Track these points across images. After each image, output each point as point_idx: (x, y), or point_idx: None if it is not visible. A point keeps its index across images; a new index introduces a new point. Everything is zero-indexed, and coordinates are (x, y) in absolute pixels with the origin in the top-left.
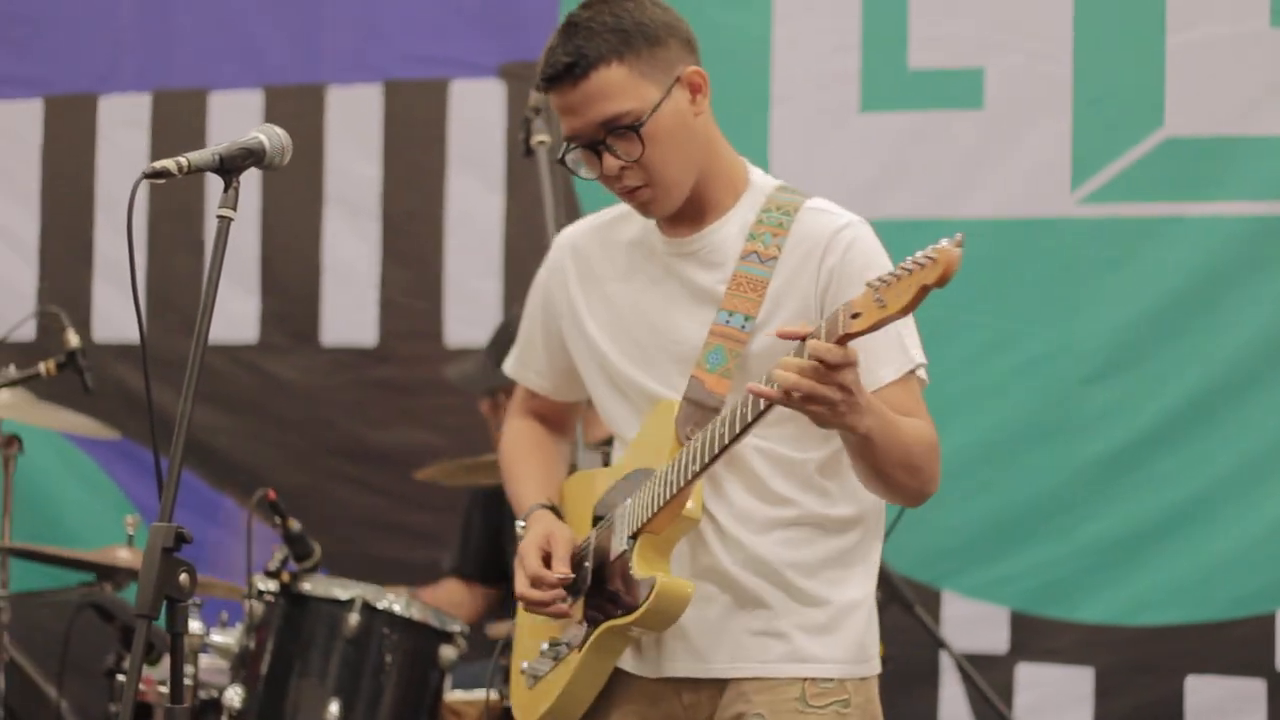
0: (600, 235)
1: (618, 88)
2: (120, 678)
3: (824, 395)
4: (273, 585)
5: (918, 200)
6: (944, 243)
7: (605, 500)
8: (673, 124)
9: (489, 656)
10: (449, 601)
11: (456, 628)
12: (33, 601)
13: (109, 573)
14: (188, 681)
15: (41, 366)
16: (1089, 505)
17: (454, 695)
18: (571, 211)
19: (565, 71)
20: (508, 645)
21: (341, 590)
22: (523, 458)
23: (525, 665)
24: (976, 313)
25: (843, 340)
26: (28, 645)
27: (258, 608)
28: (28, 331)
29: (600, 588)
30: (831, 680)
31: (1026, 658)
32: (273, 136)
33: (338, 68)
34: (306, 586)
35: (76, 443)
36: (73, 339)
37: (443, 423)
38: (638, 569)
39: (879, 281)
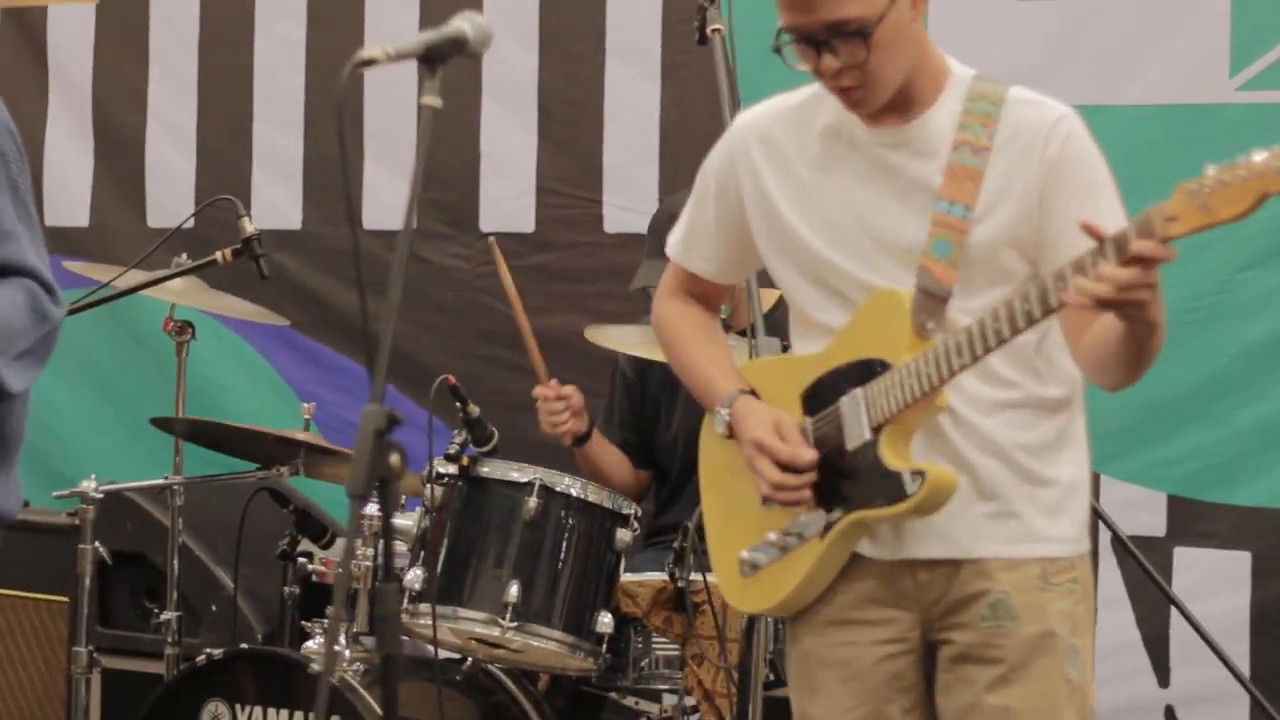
0: (790, 121)
1: None
2: (297, 561)
3: (1141, 297)
4: (452, 469)
5: (1076, 87)
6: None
7: (819, 389)
8: (896, 30)
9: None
10: (616, 461)
11: (631, 510)
12: (206, 486)
13: (289, 455)
14: (367, 564)
15: (218, 254)
16: (1248, 390)
17: (627, 577)
18: (736, 102)
19: None
20: (688, 530)
21: (519, 473)
22: (700, 341)
23: (745, 554)
24: (1136, 197)
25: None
26: (201, 530)
27: (437, 491)
28: (190, 220)
29: (834, 478)
30: (1064, 558)
31: (1183, 541)
32: (476, 24)
33: None
34: (485, 470)
35: (237, 329)
36: (247, 226)
37: (602, 308)
38: (891, 460)
39: (1197, 185)
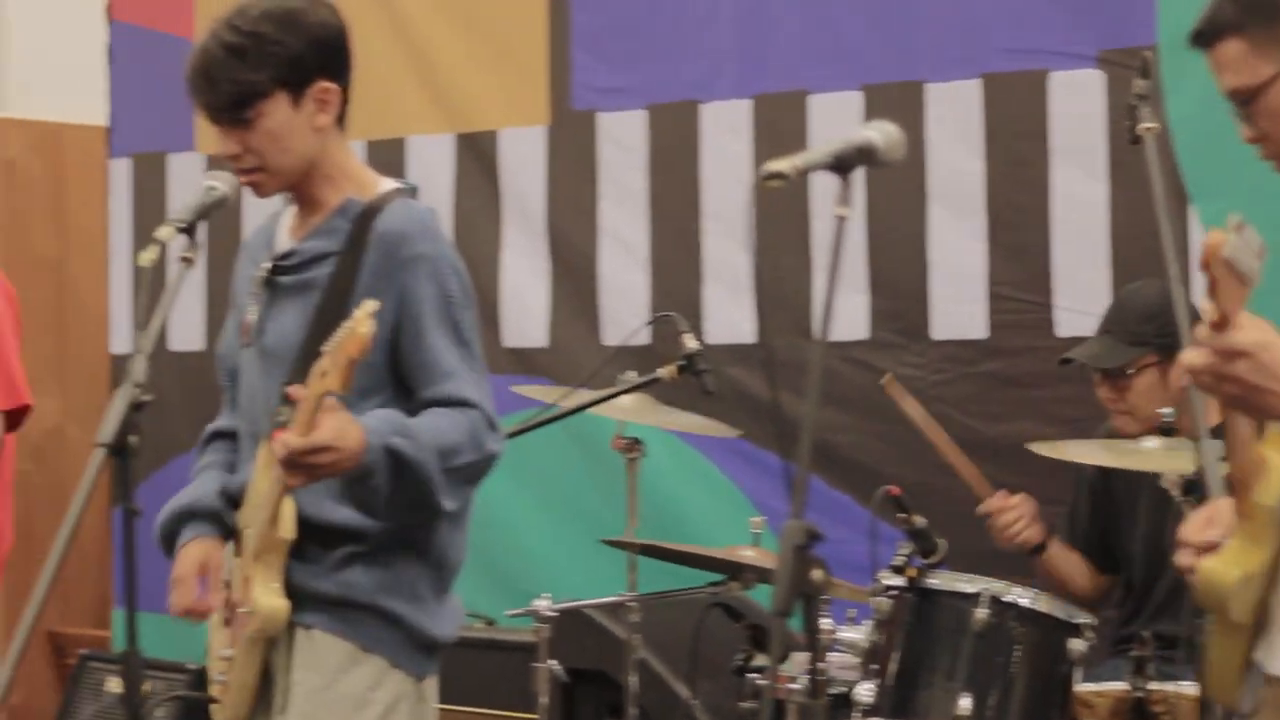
0: None
1: (1235, 60)
2: (749, 676)
3: None
4: (899, 581)
5: None
6: None
7: None
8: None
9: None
10: (1076, 567)
11: (1084, 619)
12: (661, 601)
13: (736, 572)
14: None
15: (662, 371)
16: None
17: (1084, 687)
18: (1179, 197)
19: (1195, 37)
20: (1146, 639)
21: (967, 584)
22: None
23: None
24: None
25: None
26: (658, 645)
27: (885, 604)
28: (643, 336)
29: None
30: None
31: None
32: (885, 133)
33: (936, 64)
34: (933, 581)
35: (693, 444)
36: (690, 342)
37: (1058, 414)
38: None
39: None
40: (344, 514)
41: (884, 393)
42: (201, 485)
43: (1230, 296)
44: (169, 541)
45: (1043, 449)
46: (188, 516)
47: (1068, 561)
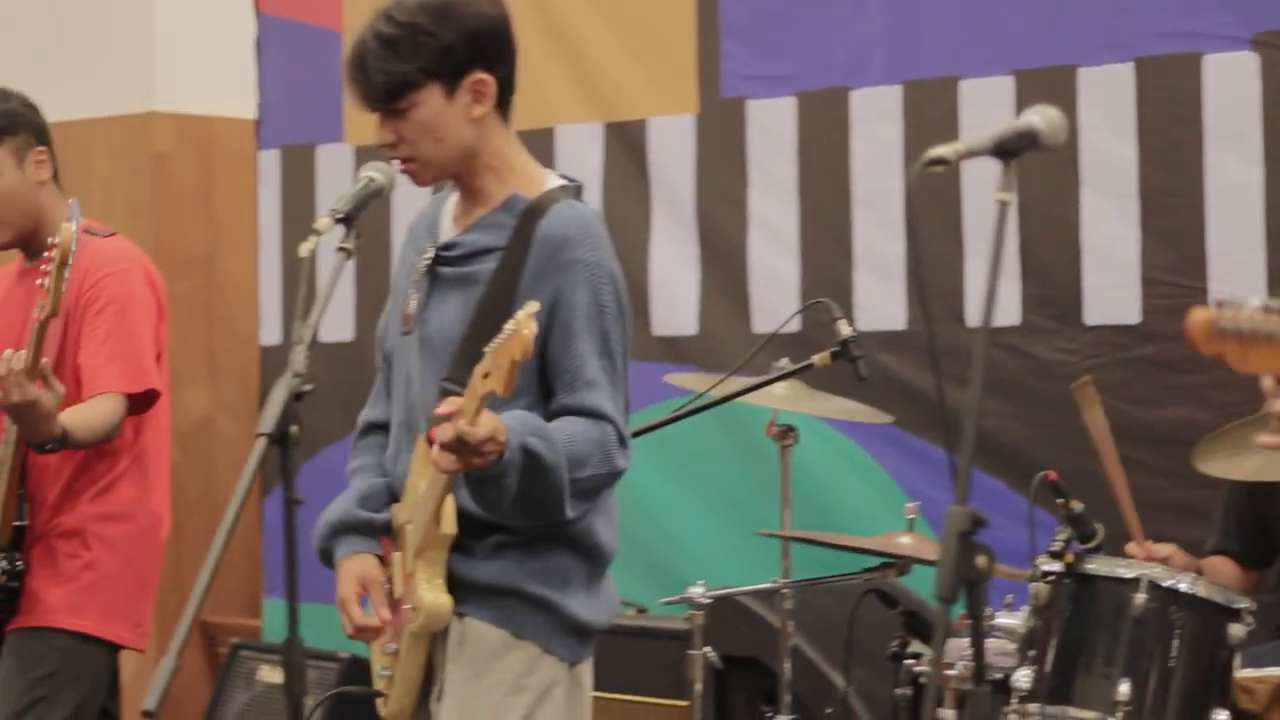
0: None
1: None
2: (905, 663)
3: None
4: (1057, 566)
5: None
6: None
7: None
8: None
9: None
10: (1224, 578)
11: (1243, 604)
12: (815, 589)
13: (892, 559)
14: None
15: (816, 358)
16: None
17: (1244, 673)
18: None
19: None
20: None
21: (1126, 569)
22: None
23: None
24: None
25: None
26: (811, 632)
27: (1042, 590)
28: (792, 323)
29: None
30: None
31: None
32: (1047, 117)
33: (1087, 48)
34: (1091, 566)
35: (845, 430)
36: (844, 328)
37: (1212, 399)
38: None
39: None
40: None
41: (1074, 394)
42: (353, 494)
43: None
44: (326, 555)
45: (1210, 468)
46: (341, 530)
47: (1216, 576)
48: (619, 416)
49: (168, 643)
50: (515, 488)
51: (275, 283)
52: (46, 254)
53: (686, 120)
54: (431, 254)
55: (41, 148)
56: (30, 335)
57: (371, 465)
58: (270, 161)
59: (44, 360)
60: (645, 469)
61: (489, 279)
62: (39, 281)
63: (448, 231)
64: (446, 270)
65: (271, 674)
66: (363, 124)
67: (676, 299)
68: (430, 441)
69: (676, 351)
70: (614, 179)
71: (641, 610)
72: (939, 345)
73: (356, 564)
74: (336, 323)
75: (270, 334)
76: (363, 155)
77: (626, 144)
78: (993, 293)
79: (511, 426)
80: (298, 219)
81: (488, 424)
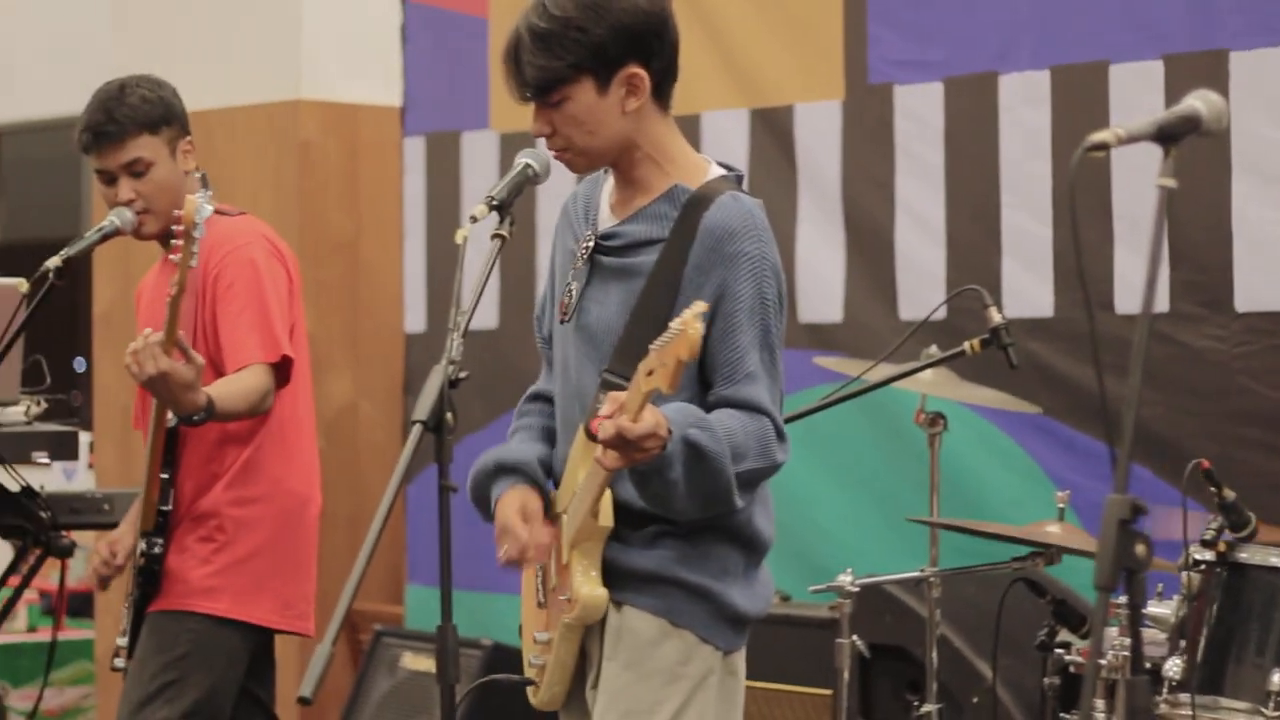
0: None
1: None
2: (1055, 652)
3: None
4: (1209, 555)
5: None
6: None
7: None
8: None
9: None
10: None
11: None
12: (963, 577)
13: (1041, 548)
14: (1125, 654)
15: (966, 345)
16: None
17: None
18: None
19: None
20: None
21: (1279, 558)
22: None
23: None
24: None
25: None
26: (958, 621)
27: (1194, 578)
28: (939, 310)
29: None
30: None
31: None
32: (1209, 102)
33: (1238, 32)
34: (1243, 555)
35: (990, 418)
36: (995, 316)
37: None
38: None
39: None
40: None
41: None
42: (516, 445)
43: None
44: (482, 495)
45: None
46: (503, 470)
47: None
48: (776, 411)
49: (317, 629)
50: (682, 481)
51: (419, 270)
52: (175, 228)
53: (833, 106)
54: (592, 243)
55: (189, 137)
56: (165, 312)
57: (535, 427)
58: (415, 149)
59: (180, 333)
60: (792, 456)
61: (651, 270)
62: (172, 257)
63: (607, 220)
64: (607, 260)
65: (415, 661)
66: (508, 111)
67: (822, 286)
68: (590, 433)
69: (821, 338)
70: (760, 165)
71: (785, 598)
72: (1087, 333)
73: (518, 494)
74: (481, 310)
75: (414, 321)
76: (508, 142)
77: (773, 130)
78: (1153, 280)
79: (673, 419)
80: (442, 206)
81: (650, 420)
